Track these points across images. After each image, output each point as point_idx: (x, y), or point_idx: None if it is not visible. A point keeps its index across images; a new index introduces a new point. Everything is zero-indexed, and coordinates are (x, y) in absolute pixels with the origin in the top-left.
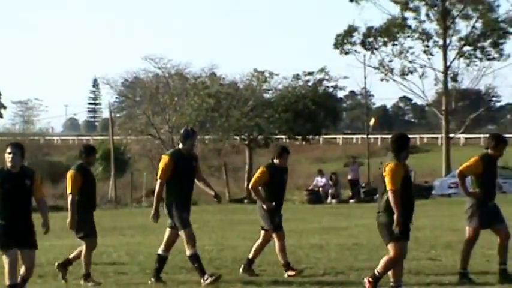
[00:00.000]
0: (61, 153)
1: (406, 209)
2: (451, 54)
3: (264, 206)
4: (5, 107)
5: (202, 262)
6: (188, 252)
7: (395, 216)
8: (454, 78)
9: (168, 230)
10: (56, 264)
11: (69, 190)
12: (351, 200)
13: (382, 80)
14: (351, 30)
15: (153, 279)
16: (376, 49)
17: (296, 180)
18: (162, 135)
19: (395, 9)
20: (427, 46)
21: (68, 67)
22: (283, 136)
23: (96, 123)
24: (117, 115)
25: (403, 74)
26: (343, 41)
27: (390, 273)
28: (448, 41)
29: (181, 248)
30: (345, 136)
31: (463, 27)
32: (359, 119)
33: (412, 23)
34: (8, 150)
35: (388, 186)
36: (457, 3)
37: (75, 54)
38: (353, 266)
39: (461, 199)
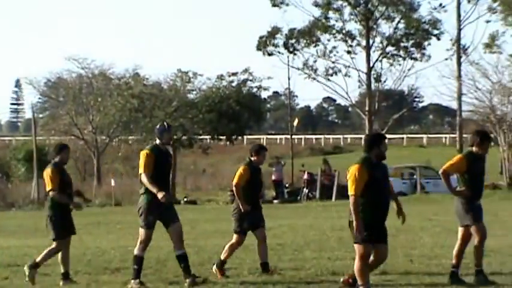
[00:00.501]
0: None
1: (378, 210)
2: (374, 55)
3: (241, 207)
4: None
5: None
6: (136, 252)
7: (354, 224)
8: (378, 79)
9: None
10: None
11: (48, 187)
12: (275, 201)
13: (306, 78)
14: (273, 32)
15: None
16: (298, 50)
17: (220, 180)
18: (86, 135)
19: (319, 12)
20: (351, 46)
21: None
22: (207, 136)
23: (19, 124)
24: (40, 115)
25: (327, 75)
26: (266, 42)
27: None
28: (371, 41)
29: (104, 248)
30: (269, 136)
31: (386, 28)
32: (283, 120)
33: (335, 23)
34: None
35: (349, 191)
36: (379, 5)
37: None
38: (277, 266)
39: None
